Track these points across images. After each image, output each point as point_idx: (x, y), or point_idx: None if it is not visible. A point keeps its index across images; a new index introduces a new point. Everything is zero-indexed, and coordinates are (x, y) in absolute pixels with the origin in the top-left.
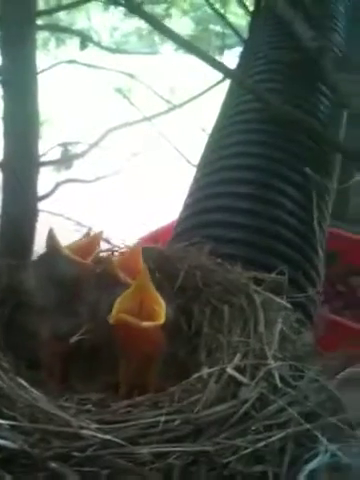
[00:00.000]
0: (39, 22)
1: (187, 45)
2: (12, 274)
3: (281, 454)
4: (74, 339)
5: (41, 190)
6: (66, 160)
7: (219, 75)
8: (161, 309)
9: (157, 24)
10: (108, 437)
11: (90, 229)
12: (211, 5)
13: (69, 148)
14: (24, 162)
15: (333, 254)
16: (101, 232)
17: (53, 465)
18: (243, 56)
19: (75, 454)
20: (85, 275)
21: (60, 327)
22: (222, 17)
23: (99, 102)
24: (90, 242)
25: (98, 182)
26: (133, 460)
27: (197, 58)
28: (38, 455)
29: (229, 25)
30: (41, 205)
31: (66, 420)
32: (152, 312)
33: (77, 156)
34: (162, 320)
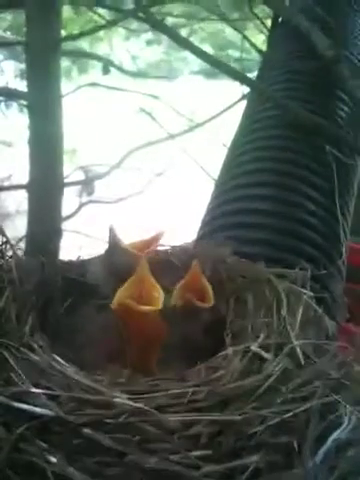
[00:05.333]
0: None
1: (209, 58)
2: (44, 269)
3: (306, 425)
4: None
5: (66, 211)
6: (89, 181)
7: (236, 95)
8: (159, 296)
9: (179, 39)
10: (139, 405)
11: None
12: (229, 20)
13: (91, 170)
14: (49, 183)
15: None
16: (163, 232)
17: (87, 431)
18: (262, 67)
19: (108, 421)
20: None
21: None
22: (241, 34)
23: (121, 125)
24: (152, 239)
25: (122, 201)
26: (162, 428)
27: (219, 71)
28: (73, 422)
29: (246, 39)
30: (66, 225)
31: (99, 390)
32: (151, 299)
33: (99, 177)
34: (160, 305)
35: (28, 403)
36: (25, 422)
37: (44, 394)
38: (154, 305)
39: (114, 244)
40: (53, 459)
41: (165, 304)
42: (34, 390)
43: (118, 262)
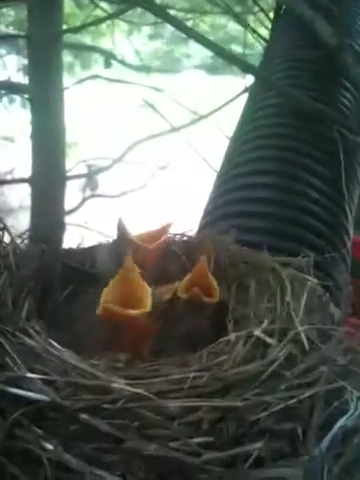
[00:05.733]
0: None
1: (213, 47)
2: (43, 256)
3: (310, 412)
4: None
5: (69, 206)
6: (92, 174)
7: (238, 89)
8: (147, 297)
9: (183, 27)
10: (138, 390)
11: None
12: (233, 13)
13: (94, 164)
14: (51, 177)
15: None
16: (170, 224)
17: (84, 417)
18: (265, 56)
19: (106, 406)
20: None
21: None
22: (245, 27)
23: (124, 119)
24: (159, 231)
25: (126, 195)
26: (162, 414)
27: (223, 59)
28: (70, 407)
29: (251, 30)
30: (69, 219)
31: (96, 375)
32: (138, 301)
33: (102, 170)
34: (148, 308)
35: (23, 388)
36: (20, 408)
37: (40, 379)
38: (142, 307)
39: (122, 235)
40: (49, 446)
41: (154, 299)
42: (30, 375)
43: (125, 253)
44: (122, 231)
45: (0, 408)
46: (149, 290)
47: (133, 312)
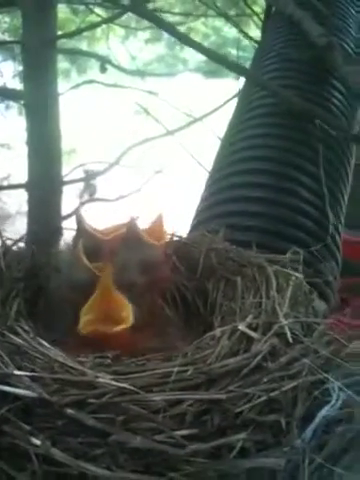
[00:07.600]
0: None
1: (206, 51)
2: (35, 257)
3: (293, 403)
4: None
5: (67, 212)
6: (88, 179)
7: (234, 91)
8: (127, 313)
9: (176, 33)
10: (123, 385)
11: None
12: (227, 16)
13: (90, 170)
14: (48, 182)
15: None
16: (135, 218)
17: (70, 412)
18: (256, 57)
19: (91, 401)
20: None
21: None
22: (238, 29)
23: (120, 124)
24: (122, 225)
25: (122, 199)
26: (147, 407)
27: (217, 63)
28: (56, 402)
29: (243, 33)
30: (67, 224)
31: (82, 371)
32: (119, 317)
33: (98, 175)
34: (130, 323)
35: (11, 385)
36: (8, 404)
37: (27, 376)
38: (123, 323)
39: (80, 228)
40: (37, 441)
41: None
42: (17, 372)
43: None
44: (80, 224)
45: None
46: (128, 304)
47: (117, 329)
